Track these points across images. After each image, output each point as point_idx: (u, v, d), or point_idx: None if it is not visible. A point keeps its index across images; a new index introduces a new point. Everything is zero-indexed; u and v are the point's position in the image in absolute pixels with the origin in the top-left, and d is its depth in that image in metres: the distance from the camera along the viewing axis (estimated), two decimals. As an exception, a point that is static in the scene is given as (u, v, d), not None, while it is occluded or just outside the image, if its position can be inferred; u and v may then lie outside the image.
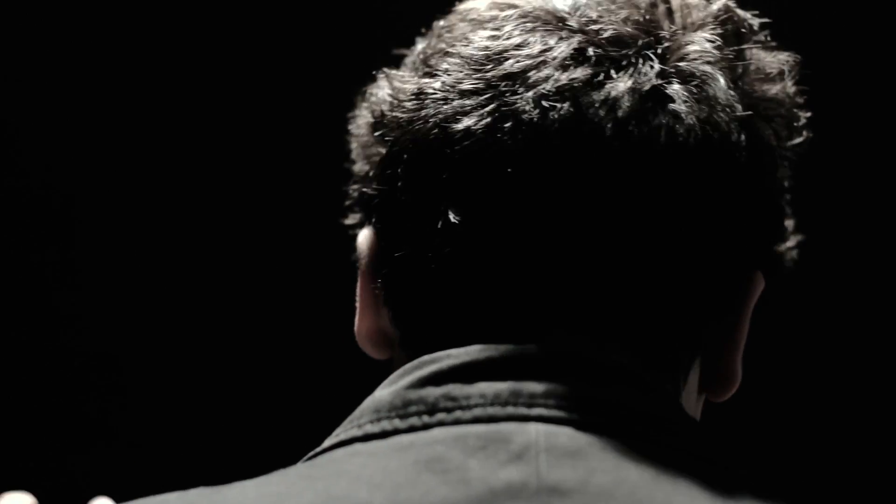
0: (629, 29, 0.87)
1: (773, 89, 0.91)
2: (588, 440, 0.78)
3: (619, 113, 0.83)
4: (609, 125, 0.83)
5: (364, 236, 0.92)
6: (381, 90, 0.92)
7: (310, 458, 0.82)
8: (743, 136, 0.87)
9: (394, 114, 0.88)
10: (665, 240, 0.84)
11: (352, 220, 0.98)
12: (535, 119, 0.83)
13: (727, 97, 0.87)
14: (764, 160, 0.89)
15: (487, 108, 0.84)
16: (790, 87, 0.93)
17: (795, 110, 0.93)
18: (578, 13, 0.87)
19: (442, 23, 0.93)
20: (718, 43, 0.88)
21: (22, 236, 1.75)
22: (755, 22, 0.92)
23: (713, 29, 0.88)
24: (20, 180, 1.75)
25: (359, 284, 0.93)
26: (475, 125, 0.84)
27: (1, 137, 1.74)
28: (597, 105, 0.83)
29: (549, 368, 0.81)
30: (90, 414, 1.77)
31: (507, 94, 0.84)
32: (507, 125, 0.84)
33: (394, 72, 0.91)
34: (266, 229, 1.76)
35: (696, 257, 0.85)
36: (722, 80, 0.87)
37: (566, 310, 0.84)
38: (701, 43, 0.87)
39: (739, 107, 0.87)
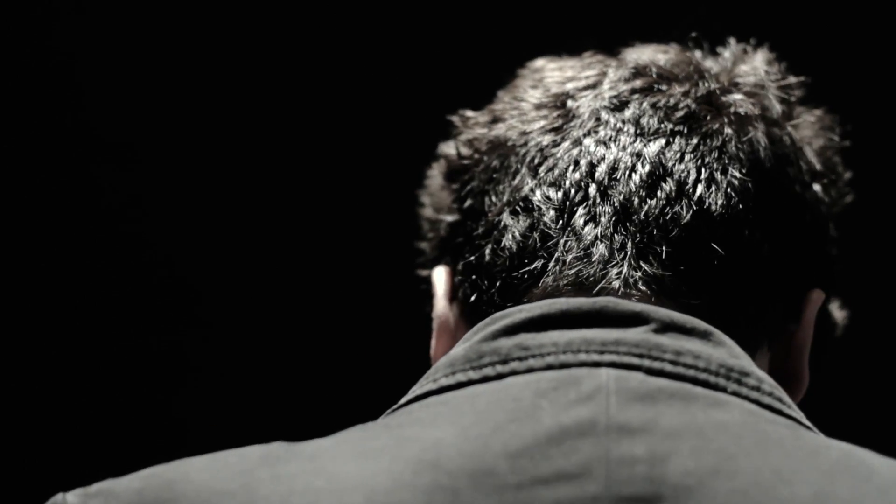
0: (683, 58, 0.97)
1: (816, 141, 0.99)
2: (658, 385, 0.80)
3: (679, 113, 0.92)
4: (670, 123, 0.92)
5: (438, 273, 0.98)
6: (455, 136, 1.00)
7: (388, 415, 0.85)
8: (796, 157, 0.96)
9: (469, 140, 0.97)
10: (721, 218, 0.89)
11: (425, 272, 1.03)
12: (601, 116, 0.92)
13: (779, 115, 0.95)
14: (812, 187, 0.97)
15: (557, 112, 0.94)
16: (831, 142, 1.01)
17: (838, 168, 1.01)
18: (632, 56, 0.97)
19: (507, 85, 1.02)
20: (768, 70, 0.97)
21: (96, 170, 1.76)
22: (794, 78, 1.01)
23: (761, 70, 0.97)
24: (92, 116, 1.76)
25: (435, 314, 0.98)
26: (549, 124, 0.93)
27: (66, 71, 1.75)
28: (657, 106, 0.92)
29: (620, 320, 0.84)
30: (177, 351, 1.76)
31: (576, 100, 0.94)
32: (576, 122, 0.92)
33: (467, 113, 1.00)
34: (353, 165, 1.76)
35: (750, 239, 0.90)
36: (774, 100, 0.96)
37: (630, 278, 0.88)
38: (753, 68, 0.97)
39: (791, 127, 0.96)
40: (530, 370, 0.82)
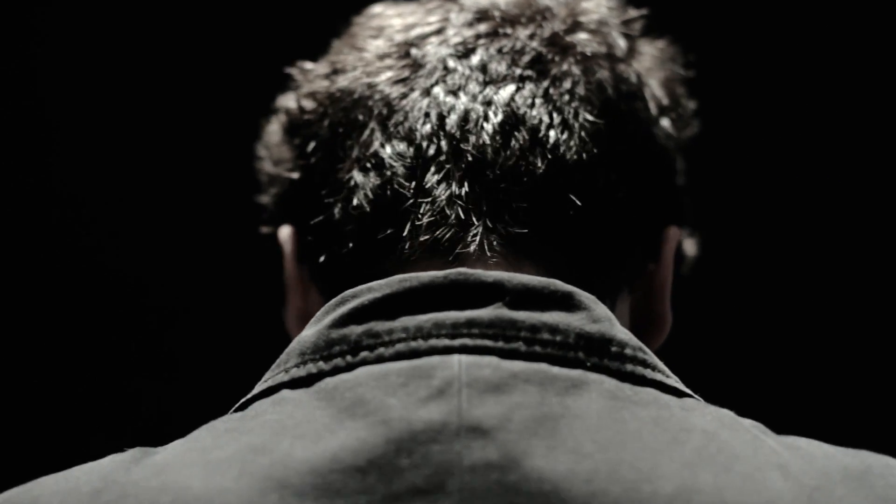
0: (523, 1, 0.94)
1: (660, 74, 0.98)
2: (512, 370, 0.78)
3: (526, 58, 0.90)
4: (518, 68, 0.89)
5: (284, 233, 0.96)
6: (292, 91, 0.97)
7: (238, 408, 0.82)
8: (643, 93, 0.94)
9: (310, 93, 0.93)
10: (576, 165, 0.88)
11: (268, 229, 1.00)
12: (448, 65, 0.89)
13: (624, 51, 0.94)
14: (660, 121, 0.96)
15: (404, 62, 0.90)
16: (675, 73, 1.00)
17: (683, 100, 1.00)
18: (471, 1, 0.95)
19: (344, 35, 0.98)
20: (610, 7, 0.96)
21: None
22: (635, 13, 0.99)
23: (603, 6, 0.96)
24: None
25: (286, 275, 0.95)
26: (396, 75, 0.90)
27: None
28: (503, 51, 0.90)
29: (471, 296, 0.81)
30: (151, 340, 1.78)
31: (420, 48, 0.91)
32: (423, 71, 0.90)
33: (305, 65, 0.96)
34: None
35: (606, 184, 0.88)
36: (618, 36, 0.94)
37: (486, 239, 0.85)
38: (596, 3, 0.95)
39: (636, 63, 0.94)
40: (380, 359, 0.79)
